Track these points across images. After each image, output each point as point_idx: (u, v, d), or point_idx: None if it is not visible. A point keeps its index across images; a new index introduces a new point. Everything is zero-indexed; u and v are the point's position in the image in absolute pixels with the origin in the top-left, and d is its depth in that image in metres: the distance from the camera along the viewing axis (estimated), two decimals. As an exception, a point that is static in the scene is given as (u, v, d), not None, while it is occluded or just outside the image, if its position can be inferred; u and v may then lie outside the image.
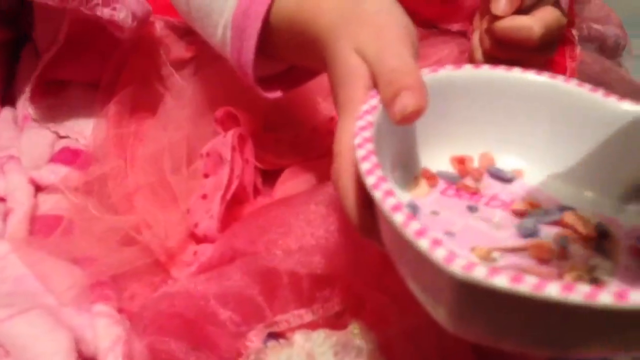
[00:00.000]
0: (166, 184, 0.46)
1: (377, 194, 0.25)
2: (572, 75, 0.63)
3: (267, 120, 0.50)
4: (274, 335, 0.36)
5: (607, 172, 0.32)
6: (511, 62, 0.40)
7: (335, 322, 0.37)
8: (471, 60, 0.45)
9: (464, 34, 0.59)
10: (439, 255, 0.22)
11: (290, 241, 0.37)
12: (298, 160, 0.48)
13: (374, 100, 0.29)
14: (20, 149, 0.49)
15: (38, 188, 0.47)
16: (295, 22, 0.37)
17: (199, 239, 0.43)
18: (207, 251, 0.40)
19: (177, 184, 0.45)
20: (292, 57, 0.40)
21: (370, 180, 0.25)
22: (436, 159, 0.33)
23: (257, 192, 0.47)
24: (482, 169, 0.34)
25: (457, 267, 0.22)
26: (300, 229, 0.38)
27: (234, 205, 0.45)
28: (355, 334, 0.36)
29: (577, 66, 0.65)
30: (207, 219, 0.41)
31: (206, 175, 0.45)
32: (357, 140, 0.27)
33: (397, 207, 0.24)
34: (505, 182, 0.33)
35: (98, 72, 0.52)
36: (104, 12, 0.45)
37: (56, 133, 0.51)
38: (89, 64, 0.52)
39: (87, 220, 0.44)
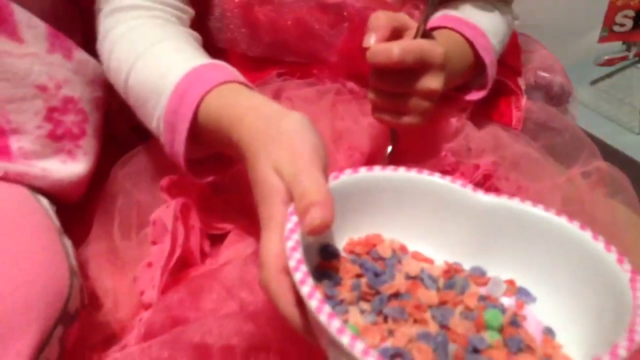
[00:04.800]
0: (116, 251, 0.48)
1: (313, 303, 0.29)
2: (517, 125, 0.66)
3: (217, 184, 0.53)
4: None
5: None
6: (399, 96, 0.44)
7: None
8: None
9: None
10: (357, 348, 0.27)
11: (222, 307, 0.39)
12: (245, 223, 0.50)
13: (295, 217, 0.33)
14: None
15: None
16: (219, 125, 0.41)
17: (146, 307, 0.45)
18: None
19: (126, 250, 0.47)
20: (221, 149, 0.44)
21: (304, 290, 0.30)
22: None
23: (204, 255, 0.49)
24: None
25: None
26: (233, 294, 0.40)
27: (181, 270, 0.47)
28: None
29: (524, 115, 0.68)
30: (151, 288, 0.43)
31: (154, 243, 0.47)
32: (292, 264, 0.31)
33: (331, 316, 0.29)
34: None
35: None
36: None
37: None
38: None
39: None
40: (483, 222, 0.38)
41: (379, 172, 0.39)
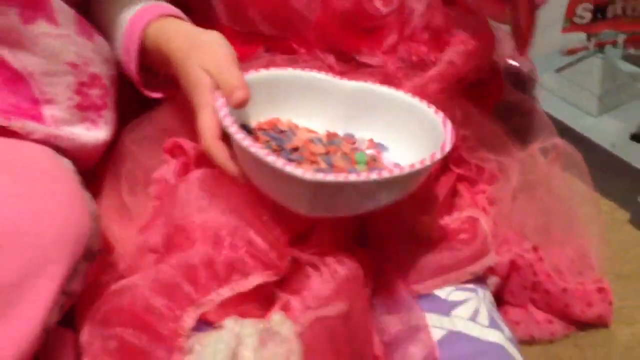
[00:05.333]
0: (124, 206, 0.54)
1: (246, 141, 0.44)
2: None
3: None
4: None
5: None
6: None
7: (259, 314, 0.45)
8: None
9: (383, 67, 0.67)
10: (295, 170, 0.42)
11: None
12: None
13: (222, 99, 0.48)
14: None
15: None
16: (156, 46, 0.55)
17: (153, 251, 0.51)
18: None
19: (133, 205, 0.53)
20: (162, 69, 0.57)
21: (233, 130, 0.45)
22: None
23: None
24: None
25: (308, 175, 0.42)
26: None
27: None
28: (277, 322, 0.44)
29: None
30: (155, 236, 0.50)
31: (157, 198, 0.53)
32: (227, 122, 0.46)
33: (260, 148, 0.44)
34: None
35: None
36: None
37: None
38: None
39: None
40: (350, 100, 0.55)
41: (275, 71, 0.55)
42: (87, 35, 0.53)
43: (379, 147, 0.55)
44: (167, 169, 0.52)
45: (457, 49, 0.63)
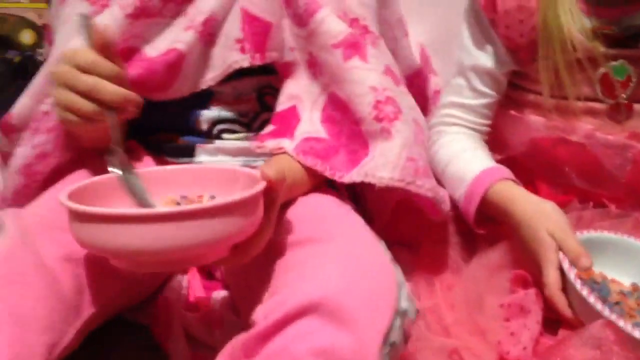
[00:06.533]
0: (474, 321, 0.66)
1: (591, 298, 0.58)
2: None
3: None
4: None
5: None
6: None
7: None
8: None
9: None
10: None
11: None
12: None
13: (567, 261, 0.62)
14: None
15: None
16: (500, 203, 0.70)
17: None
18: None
19: (486, 321, 0.65)
20: (497, 217, 0.71)
21: (578, 287, 0.60)
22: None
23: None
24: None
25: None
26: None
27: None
28: None
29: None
30: (519, 349, 0.60)
31: (507, 320, 0.64)
32: (578, 285, 0.60)
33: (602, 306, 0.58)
34: None
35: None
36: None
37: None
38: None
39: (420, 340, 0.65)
40: None
41: (595, 234, 0.68)
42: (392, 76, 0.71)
43: None
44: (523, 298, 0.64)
45: None
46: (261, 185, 0.52)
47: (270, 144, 0.70)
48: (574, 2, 0.73)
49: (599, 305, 0.58)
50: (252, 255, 0.55)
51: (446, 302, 0.69)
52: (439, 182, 0.75)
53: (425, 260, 0.74)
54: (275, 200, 0.55)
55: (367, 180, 0.65)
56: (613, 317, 0.57)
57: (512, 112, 0.81)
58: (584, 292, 0.59)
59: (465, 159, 0.77)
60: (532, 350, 0.60)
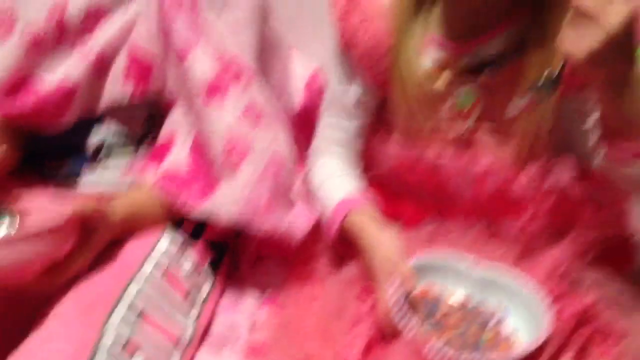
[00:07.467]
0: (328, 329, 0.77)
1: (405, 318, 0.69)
2: None
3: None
4: None
5: None
6: None
7: None
8: None
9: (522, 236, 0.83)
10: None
11: None
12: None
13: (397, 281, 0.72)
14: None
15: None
16: (352, 232, 0.81)
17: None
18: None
19: (338, 330, 0.76)
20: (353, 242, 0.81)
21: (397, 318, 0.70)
22: None
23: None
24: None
25: None
26: None
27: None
28: None
29: None
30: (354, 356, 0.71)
31: (351, 328, 0.75)
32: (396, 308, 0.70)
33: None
34: None
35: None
36: None
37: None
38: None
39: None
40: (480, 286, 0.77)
41: (427, 257, 0.77)
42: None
43: (505, 311, 0.75)
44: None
45: (589, 221, 0.79)
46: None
47: (137, 176, 0.80)
48: (422, 40, 0.80)
49: (412, 322, 0.69)
50: (59, 281, 0.66)
51: (309, 312, 0.80)
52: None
53: (295, 273, 0.85)
54: (92, 233, 0.67)
55: (211, 217, 0.76)
56: (422, 333, 0.68)
57: (381, 133, 0.90)
58: (400, 313, 0.70)
59: (330, 186, 0.88)
60: (364, 357, 0.71)
